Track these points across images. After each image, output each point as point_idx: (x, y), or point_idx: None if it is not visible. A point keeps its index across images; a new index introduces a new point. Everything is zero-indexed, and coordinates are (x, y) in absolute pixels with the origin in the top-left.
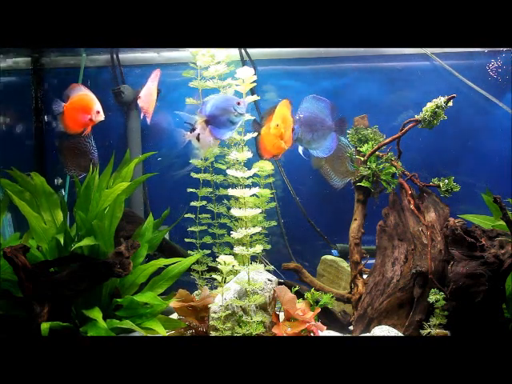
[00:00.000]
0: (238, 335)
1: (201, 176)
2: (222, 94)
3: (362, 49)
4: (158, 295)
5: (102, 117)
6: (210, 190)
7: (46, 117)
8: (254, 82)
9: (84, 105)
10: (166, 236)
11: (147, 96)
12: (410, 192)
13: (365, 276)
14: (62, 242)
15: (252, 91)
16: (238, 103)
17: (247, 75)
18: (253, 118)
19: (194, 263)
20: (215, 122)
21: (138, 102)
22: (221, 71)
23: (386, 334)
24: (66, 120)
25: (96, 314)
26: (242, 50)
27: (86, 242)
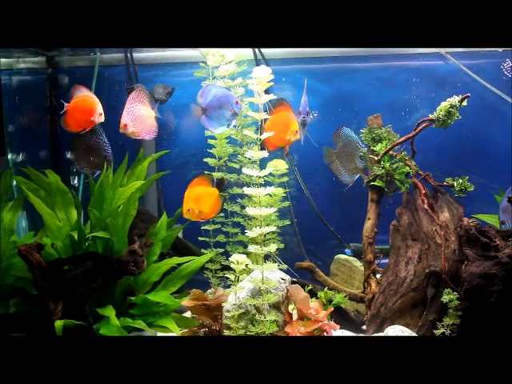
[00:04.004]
0: (243, 335)
1: (214, 175)
2: (222, 87)
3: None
4: (172, 294)
5: (103, 118)
6: None
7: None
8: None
9: (87, 106)
10: (180, 234)
11: (136, 119)
12: (423, 191)
13: (378, 275)
14: (77, 238)
15: (266, 90)
16: (237, 102)
17: (264, 74)
18: (269, 116)
19: (207, 262)
20: (211, 113)
21: (126, 129)
22: (231, 71)
23: (399, 334)
24: (68, 120)
25: (109, 312)
26: (256, 50)
27: (101, 233)
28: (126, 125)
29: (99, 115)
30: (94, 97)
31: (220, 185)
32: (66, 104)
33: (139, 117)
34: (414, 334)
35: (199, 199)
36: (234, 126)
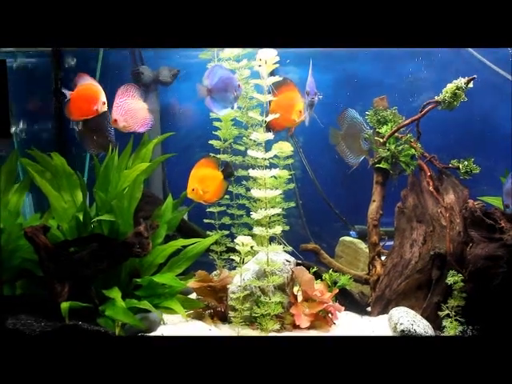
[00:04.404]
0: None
1: (220, 157)
2: (227, 69)
3: None
4: (177, 275)
5: (106, 107)
6: None
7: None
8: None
9: (90, 95)
10: (185, 216)
11: (126, 113)
12: (429, 174)
13: (383, 257)
14: (82, 220)
15: (272, 73)
16: (238, 85)
17: (269, 56)
18: (274, 98)
19: (212, 244)
20: (216, 95)
21: (117, 124)
22: (236, 52)
23: (402, 315)
24: (71, 108)
25: (115, 293)
26: None
27: (106, 217)
28: (115, 120)
29: (102, 104)
30: (98, 85)
31: (226, 170)
32: (69, 92)
33: (129, 111)
34: (417, 328)
35: (204, 180)
36: (239, 108)
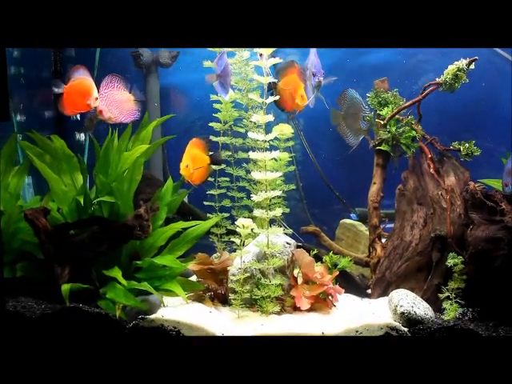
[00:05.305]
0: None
1: (220, 139)
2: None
3: None
4: (177, 258)
5: (98, 103)
6: (229, 153)
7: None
8: None
9: (84, 90)
10: (185, 199)
11: (111, 104)
12: (429, 156)
13: (383, 240)
14: (82, 202)
15: (272, 54)
16: None
17: None
18: (275, 80)
19: (212, 226)
20: (224, 80)
21: (103, 115)
22: None
23: (403, 297)
24: (64, 102)
25: (116, 272)
26: None
27: (107, 198)
28: (101, 111)
29: (95, 99)
30: (91, 80)
31: (213, 157)
32: (63, 85)
33: (114, 102)
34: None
35: (194, 160)
36: (240, 90)
